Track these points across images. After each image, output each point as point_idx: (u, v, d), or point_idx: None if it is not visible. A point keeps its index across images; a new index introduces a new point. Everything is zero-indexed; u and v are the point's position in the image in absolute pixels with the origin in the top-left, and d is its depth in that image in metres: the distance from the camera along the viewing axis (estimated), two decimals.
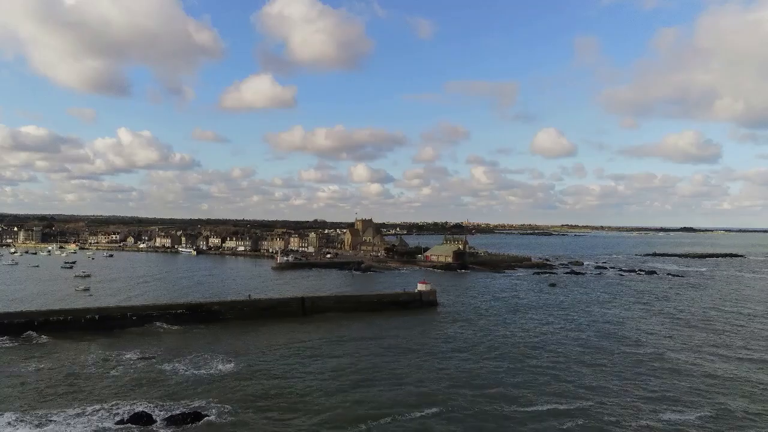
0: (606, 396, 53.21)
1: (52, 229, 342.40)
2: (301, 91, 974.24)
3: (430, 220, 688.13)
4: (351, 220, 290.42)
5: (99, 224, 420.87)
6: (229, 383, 55.42)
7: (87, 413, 46.68)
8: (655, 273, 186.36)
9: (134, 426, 44.05)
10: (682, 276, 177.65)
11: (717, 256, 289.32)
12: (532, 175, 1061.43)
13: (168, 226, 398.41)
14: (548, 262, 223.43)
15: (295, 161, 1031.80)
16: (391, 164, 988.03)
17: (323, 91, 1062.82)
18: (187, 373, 58.89)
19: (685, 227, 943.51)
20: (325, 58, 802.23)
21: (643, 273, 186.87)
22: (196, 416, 45.92)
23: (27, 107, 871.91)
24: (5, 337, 72.90)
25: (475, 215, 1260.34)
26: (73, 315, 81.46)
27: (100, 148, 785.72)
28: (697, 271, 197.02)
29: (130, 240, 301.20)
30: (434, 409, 48.72)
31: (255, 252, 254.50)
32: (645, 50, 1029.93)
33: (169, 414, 46.38)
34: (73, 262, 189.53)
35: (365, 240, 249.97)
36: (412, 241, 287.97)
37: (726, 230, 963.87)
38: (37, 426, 44.03)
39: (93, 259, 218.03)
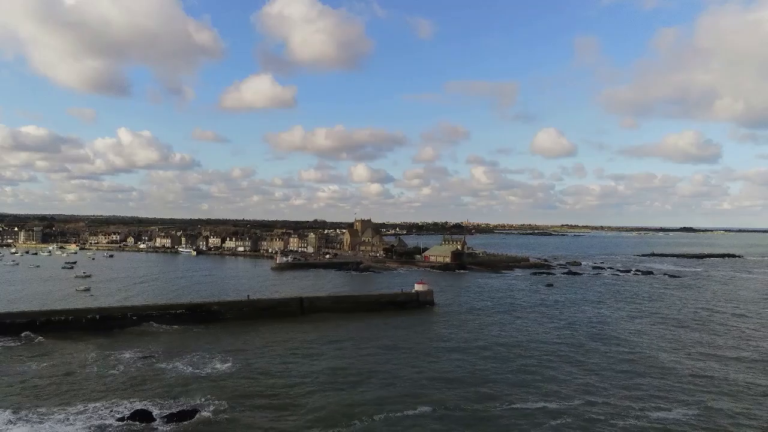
0: (595, 395, 54.27)
1: (53, 229, 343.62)
2: (301, 91, 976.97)
3: (430, 220, 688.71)
4: (351, 220, 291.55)
5: (99, 224, 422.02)
6: (228, 382, 56.55)
7: (88, 410, 47.86)
8: (652, 273, 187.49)
9: (134, 423, 45.21)
10: (678, 276, 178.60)
11: (714, 256, 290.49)
12: (532, 175, 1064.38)
13: (168, 226, 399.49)
14: (546, 263, 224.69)
15: (295, 161, 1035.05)
16: (391, 164, 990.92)
17: (323, 91, 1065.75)
18: (186, 372, 60.04)
19: (684, 227, 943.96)
20: (325, 58, 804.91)
21: (639, 273, 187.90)
22: (194, 413, 47.12)
23: (27, 107, 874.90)
24: (7, 337, 74.08)
25: (475, 215, 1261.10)
26: (74, 315, 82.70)
27: (100, 148, 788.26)
28: (693, 272, 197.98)
29: (131, 240, 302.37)
30: (427, 408, 49.81)
31: (254, 252, 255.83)
32: (645, 50, 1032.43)
33: (168, 411, 47.55)
34: (74, 263, 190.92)
35: (364, 240, 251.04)
36: (412, 241, 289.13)
37: (726, 230, 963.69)
38: (38, 423, 45.17)
39: (93, 259, 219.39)
